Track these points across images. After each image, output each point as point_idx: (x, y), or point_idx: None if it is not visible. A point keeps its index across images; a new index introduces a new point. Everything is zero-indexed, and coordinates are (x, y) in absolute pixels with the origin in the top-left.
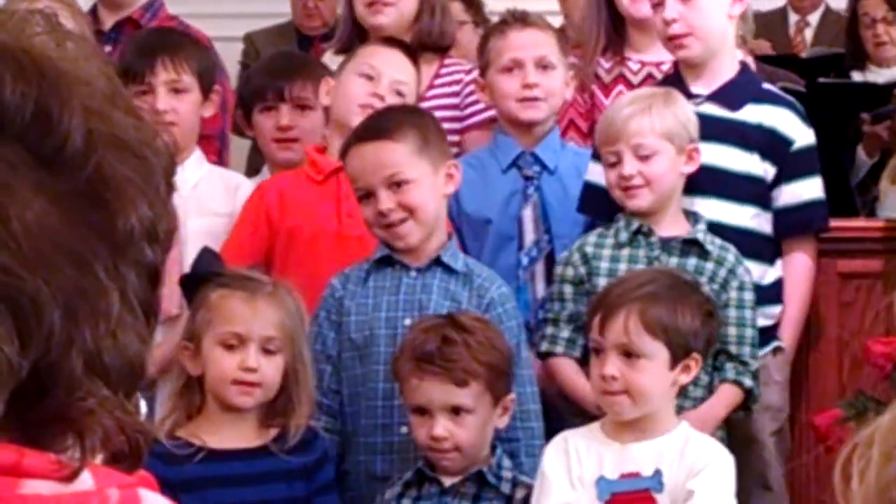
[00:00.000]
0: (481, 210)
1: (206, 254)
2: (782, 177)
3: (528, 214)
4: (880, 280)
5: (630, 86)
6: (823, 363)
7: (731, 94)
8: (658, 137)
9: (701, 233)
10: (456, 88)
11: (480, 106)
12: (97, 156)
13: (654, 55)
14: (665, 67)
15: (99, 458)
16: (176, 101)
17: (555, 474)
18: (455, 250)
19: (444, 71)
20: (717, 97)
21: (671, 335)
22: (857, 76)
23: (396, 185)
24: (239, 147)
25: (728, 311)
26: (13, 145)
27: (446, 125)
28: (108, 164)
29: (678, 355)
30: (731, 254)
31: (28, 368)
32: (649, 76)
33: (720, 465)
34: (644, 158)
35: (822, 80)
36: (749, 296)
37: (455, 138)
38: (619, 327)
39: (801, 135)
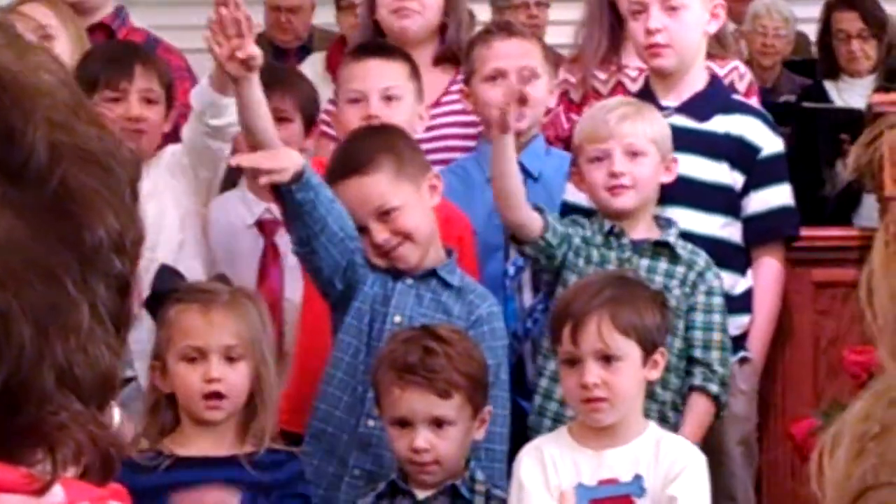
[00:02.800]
0: None
1: (164, 271)
2: (751, 184)
3: None
4: (855, 289)
5: (629, 94)
6: (798, 372)
7: (699, 106)
8: (648, 140)
9: (672, 236)
10: None
11: None
12: (62, 168)
13: None
14: None
15: (71, 472)
16: (147, 111)
17: (532, 484)
18: (454, 266)
19: (459, 78)
20: (685, 109)
21: (641, 333)
22: (829, 85)
23: (385, 214)
24: None
25: (695, 314)
26: None
27: (461, 130)
28: (74, 176)
29: (648, 351)
30: (702, 258)
31: None
32: None
33: (695, 466)
34: (633, 158)
35: (806, 104)
36: (718, 300)
37: (471, 143)
38: (592, 334)
39: (769, 142)
